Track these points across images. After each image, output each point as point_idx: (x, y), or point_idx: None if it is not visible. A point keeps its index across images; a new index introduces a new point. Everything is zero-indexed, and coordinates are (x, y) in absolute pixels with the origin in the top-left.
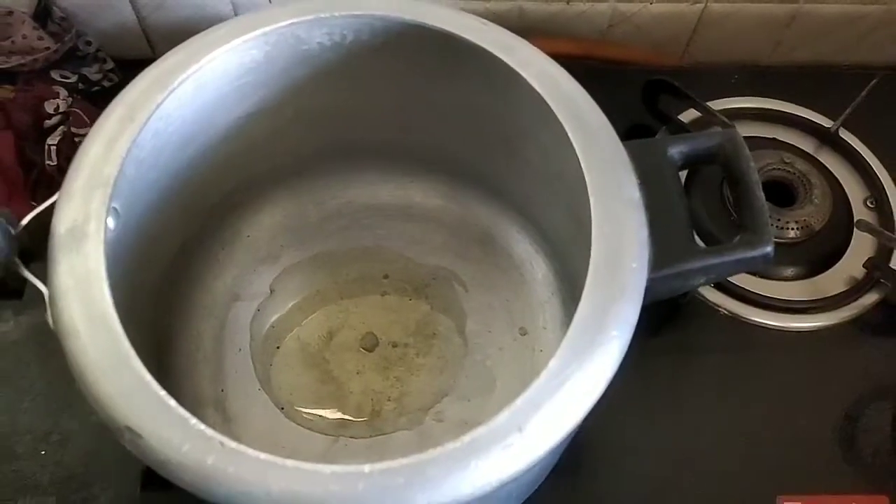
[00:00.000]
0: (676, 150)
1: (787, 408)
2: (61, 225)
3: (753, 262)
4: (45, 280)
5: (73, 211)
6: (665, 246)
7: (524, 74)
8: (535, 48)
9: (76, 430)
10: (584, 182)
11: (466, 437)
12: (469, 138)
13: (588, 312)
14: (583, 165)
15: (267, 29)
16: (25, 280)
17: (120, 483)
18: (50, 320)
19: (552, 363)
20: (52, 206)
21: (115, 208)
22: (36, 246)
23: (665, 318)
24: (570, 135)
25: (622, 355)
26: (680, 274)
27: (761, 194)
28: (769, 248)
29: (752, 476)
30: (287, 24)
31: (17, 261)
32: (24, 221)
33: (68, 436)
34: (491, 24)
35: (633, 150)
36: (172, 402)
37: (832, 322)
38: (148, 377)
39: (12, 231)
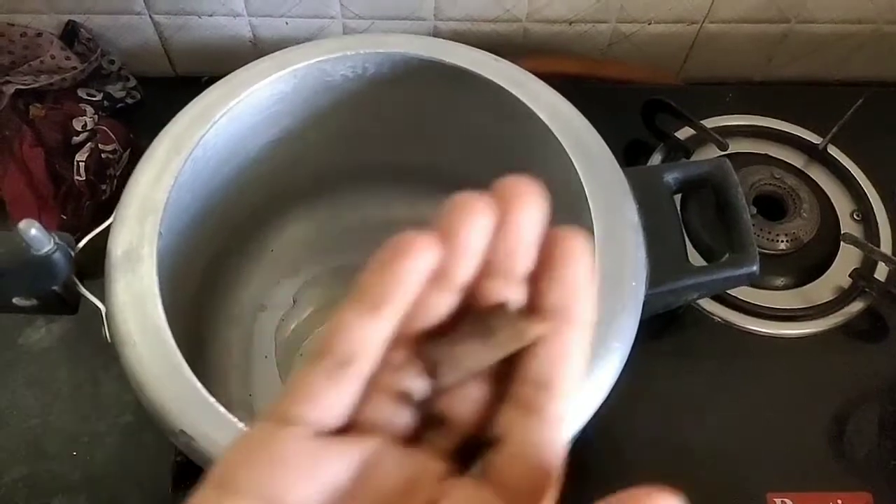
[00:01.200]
0: (671, 177)
1: (777, 410)
2: (118, 248)
3: (740, 279)
4: (98, 297)
5: (127, 235)
6: (661, 265)
7: (533, 108)
8: (543, 83)
9: (105, 432)
10: (587, 205)
11: None
12: (479, 161)
13: None
14: (586, 190)
15: (298, 66)
16: (80, 296)
17: (150, 483)
18: (106, 334)
19: None
20: (106, 229)
21: (160, 231)
22: (88, 265)
23: (663, 326)
24: (574, 162)
25: (622, 365)
26: (674, 291)
27: (748, 217)
28: (755, 268)
29: (745, 474)
30: (316, 60)
31: (75, 280)
32: (82, 244)
33: (97, 437)
34: (503, 61)
35: (631, 176)
36: (221, 409)
37: (820, 329)
38: (198, 384)
39: (72, 253)
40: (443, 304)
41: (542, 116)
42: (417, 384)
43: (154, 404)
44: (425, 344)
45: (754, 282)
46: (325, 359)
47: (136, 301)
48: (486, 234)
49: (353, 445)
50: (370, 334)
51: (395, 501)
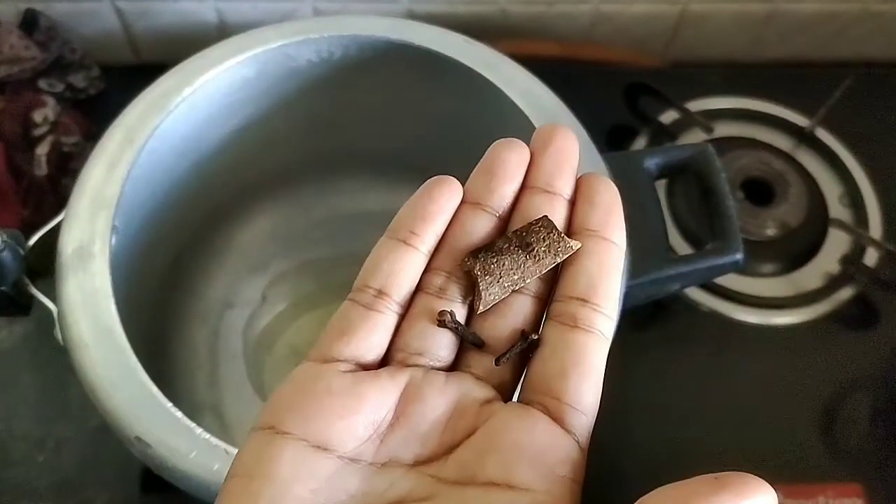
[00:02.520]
0: (652, 162)
1: (766, 401)
2: (68, 245)
3: (724, 268)
4: (50, 297)
5: (78, 232)
6: (642, 254)
7: (507, 91)
8: (517, 65)
9: (71, 437)
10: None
11: None
12: (453, 147)
13: None
14: None
15: (258, 50)
16: (32, 297)
17: (118, 487)
18: (59, 336)
19: None
20: (57, 226)
21: (115, 225)
22: (40, 264)
23: (649, 316)
24: None
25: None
26: (656, 281)
27: (731, 204)
28: (739, 256)
29: (732, 467)
30: (278, 45)
31: (26, 279)
32: (32, 242)
33: (63, 442)
34: (474, 42)
35: (611, 162)
36: (179, 414)
37: (809, 317)
38: (154, 389)
39: (21, 251)
40: (482, 226)
41: (515, 100)
42: (458, 306)
43: (108, 410)
44: (467, 262)
45: (742, 269)
46: (359, 293)
47: (87, 301)
48: (524, 162)
49: (393, 377)
50: (402, 266)
51: (440, 429)
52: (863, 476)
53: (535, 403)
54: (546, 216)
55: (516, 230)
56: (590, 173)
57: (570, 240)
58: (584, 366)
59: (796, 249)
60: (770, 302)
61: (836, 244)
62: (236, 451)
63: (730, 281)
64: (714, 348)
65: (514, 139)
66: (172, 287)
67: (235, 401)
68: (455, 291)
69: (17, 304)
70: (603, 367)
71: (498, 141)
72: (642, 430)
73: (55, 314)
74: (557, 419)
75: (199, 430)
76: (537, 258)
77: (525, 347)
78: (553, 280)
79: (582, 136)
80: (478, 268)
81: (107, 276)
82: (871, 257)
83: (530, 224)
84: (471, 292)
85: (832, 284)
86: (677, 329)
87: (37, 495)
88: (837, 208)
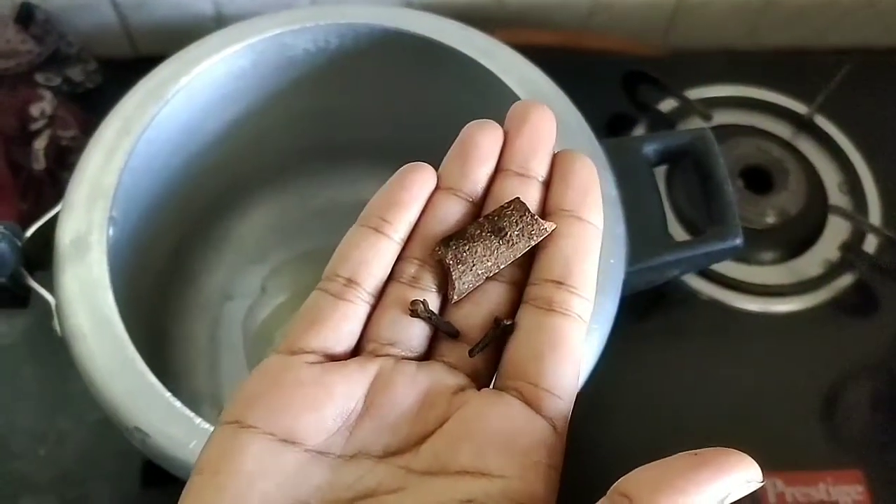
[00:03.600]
0: (651, 148)
1: (766, 389)
2: (65, 236)
3: (723, 254)
4: (48, 288)
5: (75, 222)
6: (641, 241)
7: (504, 78)
8: (514, 52)
9: (72, 430)
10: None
11: None
12: (451, 136)
13: None
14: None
15: (254, 39)
16: (30, 289)
17: (119, 480)
18: (57, 327)
19: None
20: (54, 217)
21: (112, 216)
22: (38, 256)
23: (648, 304)
24: None
25: (602, 346)
26: (654, 267)
27: (730, 189)
28: (738, 241)
29: None
30: (274, 34)
31: (24, 271)
32: (29, 233)
33: (65, 435)
34: (471, 30)
35: (609, 148)
36: (177, 403)
37: (809, 305)
38: (153, 379)
39: (18, 243)
40: (454, 211)
41: (513, 87)
42: (431, 295)
43: (107, 400)
44: (439, 251)
45: (742, 256)
46: (328, 282)
47: (85, 292)
48: (497, 143)
49: (363, 367)
50: (373, 254)
51: (411, 419)
52: (863, 462)
53: (511, 389)
54: (518, 199)
55: (488, 215)
56: (565, 150)
57: (544, 222)
58: (561, 349)
59: (796, 237)
60: (770, 289)
61: (835, 231)
62: None
63: (730, 269)
64: (714, 336)
65: (488, 120)
66: (172, 278)
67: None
68: (428, 280)
69: (15, 297)
70: (581, 351)
71: (470, 123)
72: (641, 417)
73: (53, 306)
74: (533, 404)
75: (197, 420)
76: (511, 243)
77: (500, 334)
78: (528, 264)
79: (580, 123)
80: (450, 256)
81: (104, 266)
82: (870, 244)
83: (502, 207)
84: (444, 281)
85: (832, 271)
86: (677, 317)
87: (38, 489)
88: (837, 195)
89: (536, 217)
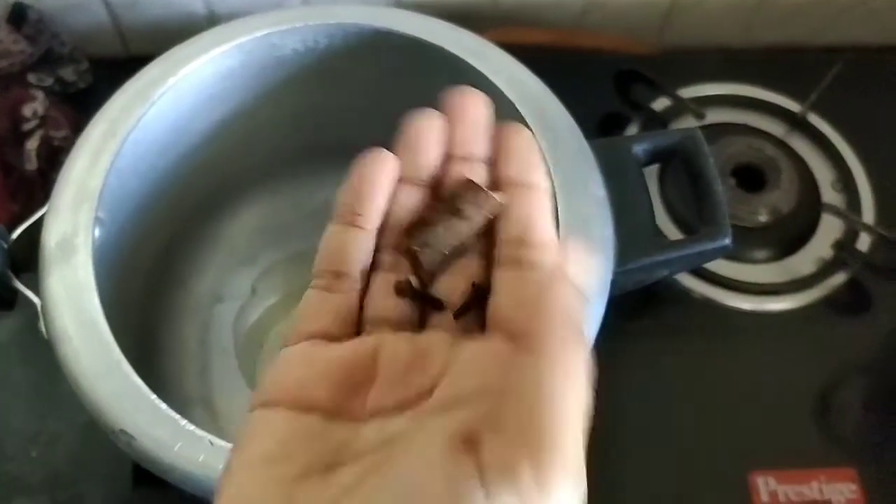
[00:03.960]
0: (640, 148)
1: (759, 388)
2: (51, 238)
3: (713, 253)
4: (35, 290)
5: (61, 224)
6: (629, 241)
7: (494, 79)
8: (504, 53)
9: (64, 431)
10: (550, 180)
11: None
12: None
13: None
14: (549, 165)
15: (242, 39)
16: (17, 291)
17: (111, 481)
18: (43, 329)
19: None
20: (41, 219)
21: (99, 217)
22: (25, 258)
23: (639, 303)
24: (536, 136)
25: (588, 350)
26: (644, 267)
27: (720, 189)
28: (727, 241)
29: (726, 453)
30: (262, 34)
31: (10, 273)
32: (15, 235)
33: (56, 436)
34: (461, 30)
35: (598, 149)
36: (163, 405)
37: (802, 303)
38: (138, 381)
39: (4, 245)
40: (413, 199)
41: (502, 88)
42: (411, 278)
43: (93, 402)
44: (404, 241)
45: (734, 255)
46: (317, 279)
47: (71, 294)
48: (441, 133)
49: (363, 340)
50: (353, 245)
51: (417, 373)
52: (857, 461)
53: (499, 329)
54: (468, 179)
55: (444, 198)
56: (501, 124)
57: (494, 195)
58: (539, 300)
59: (789, 235)
60: (763, 288)
61: (828, 230)
62: (221, 442)
63: (722, 267)
64: (707, 335)
65: (428, 109)
66: (160, 280)
67: (227, 394)
68: (405, 265)
69: (1, 299)
70: (558, 292)
71: (412, 114)
72: (634, 417)
73: (39, 308)
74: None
75: (183, 422)
76: (469, 220)
77: (479, 295)
78: (494, 236)
79: (568, 123)
80: (415, 243)
81: (90, 268)
82: (863, 242)
83: (456, 189)
84: (418, 264)
85: (825, 270)
86: (669, 316)
87: (31, 490)
88: (830, 193)
89: (488, 192)
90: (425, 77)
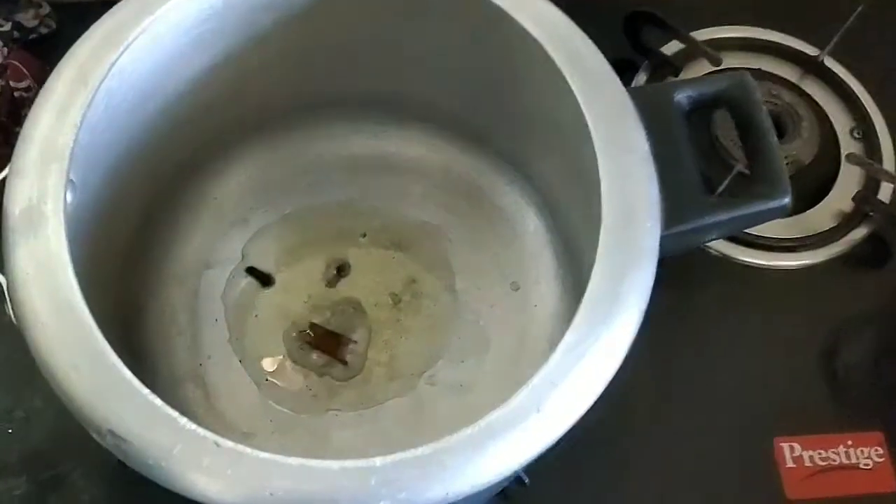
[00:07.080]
0: (683, 95)
1: (780, 349)
2: (15, 205)
3: (771, 214)
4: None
5: (27, 189)
6: (676, 201)
7: (518, 17)
8: None
9: (41, 407)
10: (587, 133)
11: (482, 422)
12: (453, 87)
13: (603, 279)
14: (586, 116)
15: None
16: None
17: (94, 458)
18: (10, 312)
19: (568, 337)
20: (2, 182)
21: (70, 180)
22: None
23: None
24: (571, 85)
25: (640, 323)
26: (693, 230)
27: (774, 140)
28: (787, 200)
29: (749, 419)
30: None
31: None
32: None
33: (33, 413)
34: None
35: (637, 97)
36: (158, 401)
37: (822, 259)
38: (127, 374)
39: None
40: None
41: (529, 29)
42: None
43: (74, 399)
44: None
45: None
46: None
47: (41, 271)
48: None
49: None
50: None
51: None
52: (882, 421)
53: None
54: None
55: None
56: None
57: None
58: None
59: (808, 187)
60: (781, 244)
61: (848, 181)
62: (227, 442)
63: None
64: (725, 295)
65: None
66: (143, 248)
67: (220, 369)
68: None
69: None
70: None
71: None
72: (648, 375)
73: (4, 287)
74: None
75: (182, 420)
76: None
77: None
78: None
79: (605, 68)
80: None
81: (62, 239)
82: (885, 192)
83: None
84: None
85: (845, 223)
86: (686, 273)
87: (9, 469)
88: (849, 142)
89: None
90: (436, 18)
